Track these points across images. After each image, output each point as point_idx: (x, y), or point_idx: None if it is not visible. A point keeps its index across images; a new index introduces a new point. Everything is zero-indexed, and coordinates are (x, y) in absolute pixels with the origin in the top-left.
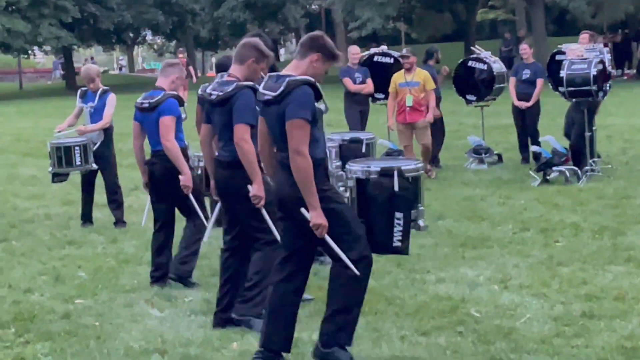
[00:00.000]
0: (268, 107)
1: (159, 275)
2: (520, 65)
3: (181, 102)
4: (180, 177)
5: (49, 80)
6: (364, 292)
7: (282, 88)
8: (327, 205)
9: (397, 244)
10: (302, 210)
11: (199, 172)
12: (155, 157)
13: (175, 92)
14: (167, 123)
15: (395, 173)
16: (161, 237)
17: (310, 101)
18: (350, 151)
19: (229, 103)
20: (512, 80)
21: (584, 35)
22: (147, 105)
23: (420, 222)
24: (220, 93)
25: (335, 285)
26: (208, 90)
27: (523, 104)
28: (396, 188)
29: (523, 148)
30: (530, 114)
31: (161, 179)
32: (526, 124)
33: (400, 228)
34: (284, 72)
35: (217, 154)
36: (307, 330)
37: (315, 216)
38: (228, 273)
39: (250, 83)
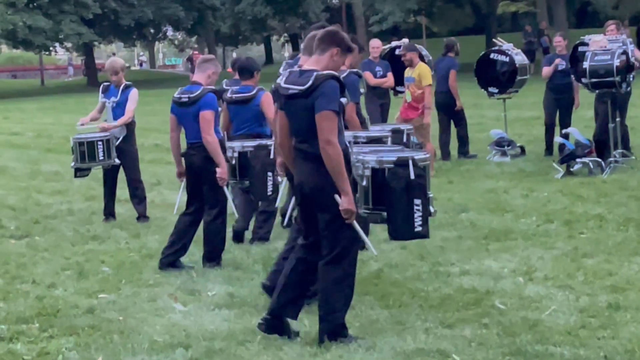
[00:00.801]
0: (293, 101)
1: (171, 260)
2: (553, 56)
3: (218, 95)
4: (217, 169)
5: (68, 77)
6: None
7: (310, 82)
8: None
9: (418, 228)
10: (336, 196)
11: (233, 162)
12: (193, 149)
13: (213, 87)
14: (207, 117)
15: (410, 162)
16: (188, 220)
17: (337, 94)
18: (393, 142)
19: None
20: (546, 69)
21: (612, 26)
22: (186, 99)
23: (431, 208)
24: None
25: (332, 271)
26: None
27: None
28: (412, 176)
29: (550, 140)
30: (566, 104)
31: (199, 169)
32: (560, 113)
33: (420, 213)
34: (306, 67)
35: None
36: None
37: (347, 202)
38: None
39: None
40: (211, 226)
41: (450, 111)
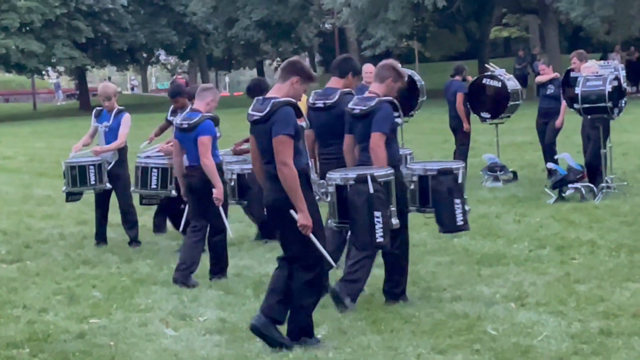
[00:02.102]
0: (257, 126)
1: (185, 275)
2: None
3: (216, 122)
4: (213, 190)
5: (57, 102)
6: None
7: (267, 109)
8: (309, 210)
9: (379, 239)
10: (291, 212)
11: (232, 183)
12: (191, 171)
13: (210, 114)
14: (205, 142)
15: (369, 178)
16: (192, 237)
17: (292, 119)
18: None
19: (370, 116)
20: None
21: (573, 58)
22: (186, 125)
23: (394, 221)
24: (364, 107)
25: (299, 281)
26: (350, 106)
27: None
28: (371, 191)
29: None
30: (553, 128)
31: (197, 190)
32: (546, 136)
33: (381, 225)
34: (268, 94)
35: (358, 159)
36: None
37: (302, 217)
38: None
39: (390, 98)
40: (212, 240)
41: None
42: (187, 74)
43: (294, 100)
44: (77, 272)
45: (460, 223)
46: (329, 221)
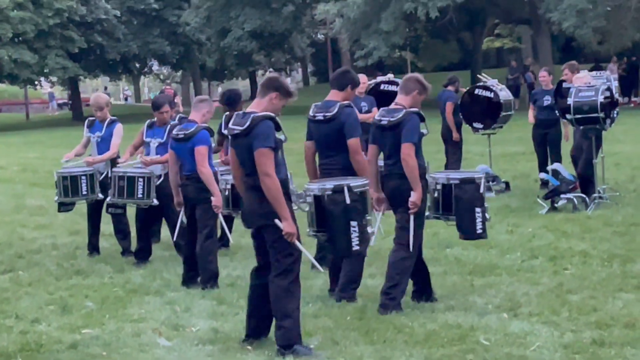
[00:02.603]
0: (237, 139)
1: (191, 276)
2: (540, 91)
3: (211, 133)
4: (212, 198)
5: (51, 112)
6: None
7: (248, 123)
8: None
9: (356, 247)
10: (276, 221)
11: (227, 193)
12: (187, 180)
13: (206, 125)
14: (202, 152)
15: (346, 189)
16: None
17: (272, 133)
18: None
19: (399, 127)
20: (531, 106)
21: (565, 70)
22: (182, 136)
23: (369, 229)
24: (392, 119)
25: (281, 287)
26: (377, 117)
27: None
28: (348, 201)
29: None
30: (553, 139)
31: (193, 198)
32: (550, 149)
33: (357, 234)
34: (248, 109)
35: (384, 171)
36: None
37: (287, 225)
38: None
39: (417, 109)
40: (203, 245)
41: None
42: (177, 84)
43: (273, 115)
44: (70, 282)
45: (479, 231)
46: (308, 229)
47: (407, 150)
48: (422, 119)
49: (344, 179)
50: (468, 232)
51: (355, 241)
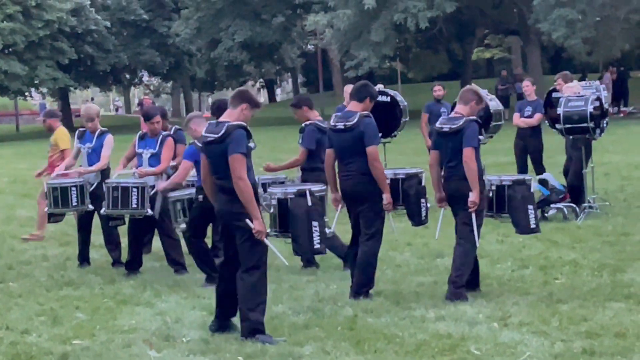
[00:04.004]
0: (211, 146)
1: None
2: (524, 102)
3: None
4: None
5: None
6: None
7: (222, 131)
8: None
9: (317, 246)
10: (247, 220)
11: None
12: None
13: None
14: (185, 166)
15: (308, 192)
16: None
17: (245, 140)
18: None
19: (460, 133)
20: (516, 116)
21: (559, 80)
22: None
23: (327, 230)
24: (453, 126)
25: (250, 280)
26: (438, 125)
27: (524, 121)
28: (310, 204)
29: None
30: (534, 150)
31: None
32: (531, 160)
33: (318, 234)
34: (221, 119)
35: (443, 173)
36: None
37: (257, 224)
38: None
39: (475, 117)
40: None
41: None
42: (168, 95)
43: (244, 124)
44: (60, 293)
45: (533, 226)
46: (270, 230)
47: (468, 153)
48: (481, 126)
49: (305, 184)
50: (523, 227)
51: (316, 240)
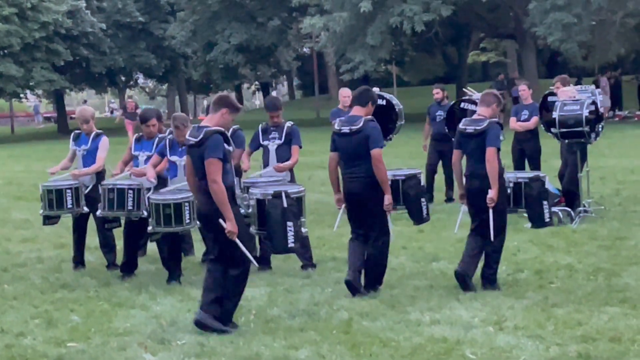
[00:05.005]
0: (192, 149)
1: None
2: (520, 106)
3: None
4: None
5: (37, 124)
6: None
7: (201, 136)
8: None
9: (291, 244)
10: (220, 220)
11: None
12: None
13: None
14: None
15: (284, 194)
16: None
17: (221, 145)
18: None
19: (483, 135)
20: (513, 119)
21: (557, 83)
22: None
23: (303, 229)
24: (477, 127)
25: (231, 278)
26: (462, 126)
27: (521, 125)
28: (285, 205)
29: None
30: (531, 154)
31: None
32: (529, 163)
33: (293, 233)
34: (202, 124)
35: (466, 172)
36: None
37: (229, 225)
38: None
39: (497, 119)
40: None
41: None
42: (163, 97)
43: (223, 129)
44: (55, 295)
45: (547, 220)
46: (251, 227)
47: (491, 153)
48: (502, 127)
49: (283, 185)
50: (538, 222)
51: (290, 239)
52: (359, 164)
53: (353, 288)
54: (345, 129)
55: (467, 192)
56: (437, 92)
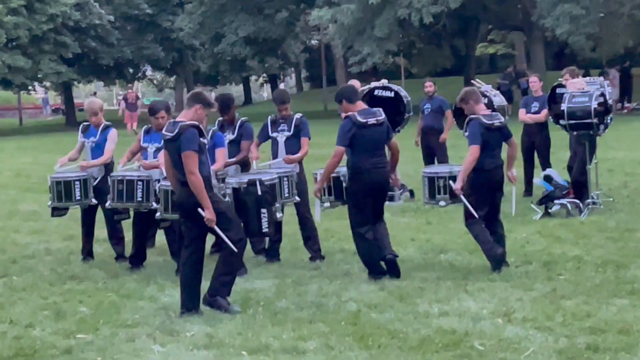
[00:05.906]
0: (169, 144)
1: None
2: (530, 97)
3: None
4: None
5: (45, 116)
6: (240, 262)
7: (176, 130)
8: (213, 207)
9: (265, 230)
10: (199, 210)
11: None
12: None
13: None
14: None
15: (258, 182)
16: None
17: (196, 138)
18: None
19: (507, 127)
20: (522, 111)
21: (566, 75)
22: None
23: (278, 214)
24: (503, 120)
25: (220, 258)
26: (488, 122)
27: (531, 117)
28: (259, 192)
29: (529, 180)
30: (541, 146)
31: None
32: (539, 156)
33: (266, 219)
34: (177, 119)
35: (486, 163)
36: None
37: (208, 213)
38: None
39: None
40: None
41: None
42: (171, 89)
43: (197, 124)
44: (64, 287)
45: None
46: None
47: (515, 142)
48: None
49: (257, 173)
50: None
51: (264, 225)
52: (383, 153)
53: (397, 267)
54: (372, 120)
55: (494, 182)
56: (429, 85)
